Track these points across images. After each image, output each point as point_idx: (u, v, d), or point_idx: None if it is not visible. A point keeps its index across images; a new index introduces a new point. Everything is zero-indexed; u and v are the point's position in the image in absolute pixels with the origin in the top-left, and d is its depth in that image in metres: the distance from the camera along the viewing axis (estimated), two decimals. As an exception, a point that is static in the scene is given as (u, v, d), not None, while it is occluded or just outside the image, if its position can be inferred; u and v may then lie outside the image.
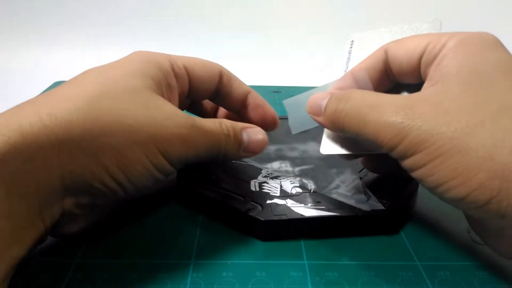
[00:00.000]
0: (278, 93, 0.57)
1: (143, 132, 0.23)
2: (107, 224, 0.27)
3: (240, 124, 0.27)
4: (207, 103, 0.34)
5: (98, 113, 0.22)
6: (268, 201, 0.28)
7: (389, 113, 0.22)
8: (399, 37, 0.27)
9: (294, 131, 0.29)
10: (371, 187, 0.29)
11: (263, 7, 0.79)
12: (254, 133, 0.28)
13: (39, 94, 0.25)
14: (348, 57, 0.29)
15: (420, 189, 0.32)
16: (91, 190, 0.22)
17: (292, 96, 0.30)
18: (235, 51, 0.75)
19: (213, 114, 0.35)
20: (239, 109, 0.32)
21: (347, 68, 0.29)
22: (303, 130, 0.29)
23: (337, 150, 0.26)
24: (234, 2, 0.79)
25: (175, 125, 0.24)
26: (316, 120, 0.26)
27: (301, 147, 0.35)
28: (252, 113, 0.31)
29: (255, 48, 0.76)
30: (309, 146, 0.35)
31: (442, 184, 0.20)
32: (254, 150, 0.28)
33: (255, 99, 0.31)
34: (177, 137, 0.24)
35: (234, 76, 0.31)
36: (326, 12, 0.79)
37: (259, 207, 0.27)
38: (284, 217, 0.26)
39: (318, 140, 0.34)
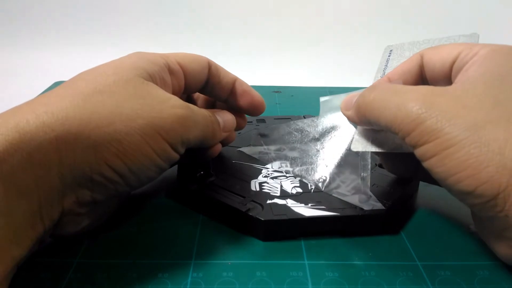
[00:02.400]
0: (278, 93, 0.57)
1: (141, 119, 0.23)
2: (107, 224, 0.27)
3: (210, 109, 0.30)
4: (196, 97, 0.35)
5: (93, 107, 0.22)
6: (268, 201, 0.28)
7: (409, 99, 0.22)
8: None
9: (321, 125, 0.31)
10: (371, 187, 0.29)
11: (263, 7, 0.79)
12: (224, 113, 0.31)
13: (37, 95, 0.25)
14: (386, 65, 0.31)
15: (420, 189, 0.32)
16: (91, 184, 0.22)
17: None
18: (235, 51, 0.75)
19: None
20: (227, 97, 0.32)
21: (383, 75, 0.30)
22: (329, 125, 0.31)
23: (367, 147, 0.27)
24: (234, 2, 0.79)
25: (171, 106, 0.25)
26: (345, 115, 0.27)
27: (301, 147, 0.35)
28: (241, 100, 0.32)
29: (255, 48, 0.76)
30: (310, 146, 0.35)
31: (451, 176, 0.20)
32: (229, 128, 0.31)
33: (241, 85, 0.32)
34: (175, 118, 0.24)
35: (220, 65, 0.31)
36: (327, 12, 0.79)
37: (259, 207, 0.27)
38: (284, 217, 0.26)
39: (316, 140, 0.35)
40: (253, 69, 0.70)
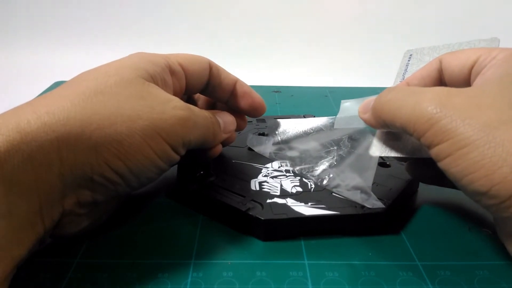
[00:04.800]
0: (278, 93, 0.57)
1: (142, 120, 0.23)
2: (107, 224, 0.27)
3: (210, 110, 0.30)
4: (197, 98, 0.35)
5: (95, 107, 0.22)
6: (268, 200, 0.28)
7: (425, 99, 0.22)
8: None
9: (336, 126, 0.32)
10: (372, 186, 0.29)
11: (263, 7, 0.79)
12: (225, 115, 0.31)
13: (37, 96, 0.25)
14: (405, 69, 0.31)
15: (420, 189, 0.32)
16: (91, 184, 0.22)
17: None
18: (235, 51, 0.75)
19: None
20: (228, 98, 0.32)
21: (403, 79, 0.30)
22: (345, 127, 0.31)
23: (385, 152, 0.27)
24: (234, 2, 0.79)
25: (173, 108, 0.25)
26: (362, 118, 0.27)
27: (301, 146, 0.35)
28: (241, 101, 0.32)
29: (255, 48, 0.76)
30: (309, 146, 0.35)
31: (465, 176, 0.20)
32: (229, 130, 0.31)
33: (242, 86, 0.32)
34: (176, 119, 0.24)
35: (221, 67, 0.31)
36: (327, 12, 0.79)
37: (259, 206, 0.27)
38: (284, 216, 0.26)
39: (318, 140, 0.35)
40: (253, 69, 0.70)
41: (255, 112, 0.33)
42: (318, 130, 0.36)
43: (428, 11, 0.78)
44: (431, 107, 0.22)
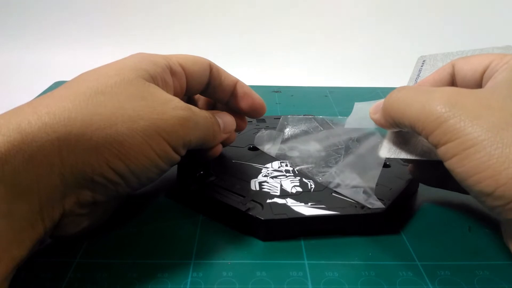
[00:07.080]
0: (278, 93, 0.57)
1: (143, 121, 0.23)
2: (107, 224, 0.27)
3: (210, 111, 0.30)
4: (197, 99, 0.35)
5: (95, 108, 0.22)
6: (268, 200, 0.28)
7: (434, 98, 0.22)
8: None
9: (347, 126, 0.32)
10: None
11: (263, 7, 0.79)
12: (224, 115, 0.31)
13: (37, 96, 0.25)
14: (418, 75, 0.31)
15: (420, 189, 0.32)
16: (92, 185, 0.22)
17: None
18: (235, 51, 0.75)
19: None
20: (228, 99, 0.32)
21: (415, 84, 0.30)
22: (355, 127, 0.31)
23: (395, 154, 0.27)
24: (235, 2, 0.79)
25: (173, 108, 0.25)
26: (373, 119, 0.28)
27: (301, 146, 0.35)
28: (242, 102, 0.32)
29: (255, 47, 0.76)
30: (309, 146, 0.35)
31: (471, 176, 0.20)
32: (229, 130, 0.31)
33: (242, 87, 0.32)
34: (177, 120, 0.24)
35: (221, 68, 0.31)
36: (327, 12, 0.79)
37: (259, 207, 0.27)
38: (284, 216, 0.26)
39: (325, 139, 0.35)
40: (253, 69, 0.70)
41: (255, 113, 0.33)
42: (327, 129, 0.36)
43: (428, 11, 0.78)
44: (440, 106, 0.22)
